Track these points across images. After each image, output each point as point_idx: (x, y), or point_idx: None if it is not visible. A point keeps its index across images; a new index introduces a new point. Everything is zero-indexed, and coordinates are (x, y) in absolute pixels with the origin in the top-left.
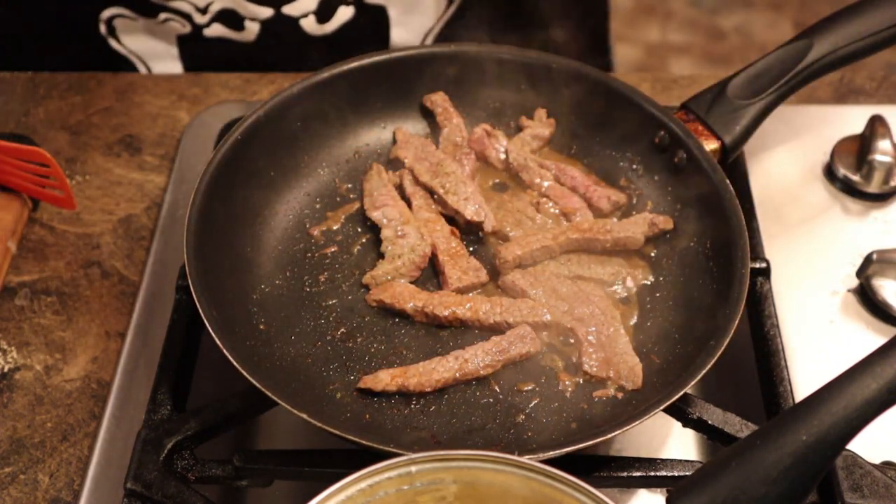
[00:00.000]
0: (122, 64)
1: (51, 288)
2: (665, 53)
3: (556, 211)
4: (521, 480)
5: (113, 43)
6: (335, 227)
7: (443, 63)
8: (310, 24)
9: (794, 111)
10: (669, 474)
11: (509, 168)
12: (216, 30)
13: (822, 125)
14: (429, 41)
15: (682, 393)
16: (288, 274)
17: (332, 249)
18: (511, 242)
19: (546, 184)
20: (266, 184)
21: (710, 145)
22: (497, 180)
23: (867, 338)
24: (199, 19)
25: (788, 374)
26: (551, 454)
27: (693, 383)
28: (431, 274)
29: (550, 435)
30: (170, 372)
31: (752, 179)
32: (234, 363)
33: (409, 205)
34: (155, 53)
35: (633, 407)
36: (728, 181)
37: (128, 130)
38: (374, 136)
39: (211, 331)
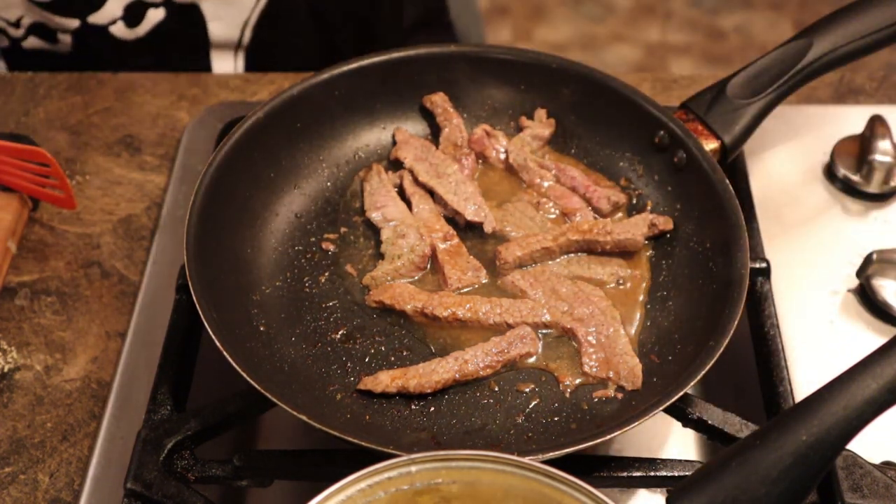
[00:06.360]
0: None
1: (51, 288)
2: (665, 53)
3: (556, 211)
4: (521, 480)
5: None
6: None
7: (443, 63)
8: (119, 30)
9: (794, 111)
10: (669, 474)
11: (509, 168)
12: (33, 42)
13: (822, 125)
14: (247, 33)
15: (682, 393)
16: (288, 275)
17: (333, 250)
18: (511, 243)
19: (546, 184)
20: (266, 184)
21: (710, 145)
22: (497, 180)
23: (867, 338)
24: (14, 33)
25: (788, 374)
26: (551, 454)
27: (693, 383)
28: (431, 274)
29: (550, 435)
30: (170, 372)
31: (752, 179)
32: (234, 365)
33: (409, 205)
34: None
35: (633, 407)
36: (728, 181)
37: (128, 130)
38: (374, 136)
39: (211, 332)
